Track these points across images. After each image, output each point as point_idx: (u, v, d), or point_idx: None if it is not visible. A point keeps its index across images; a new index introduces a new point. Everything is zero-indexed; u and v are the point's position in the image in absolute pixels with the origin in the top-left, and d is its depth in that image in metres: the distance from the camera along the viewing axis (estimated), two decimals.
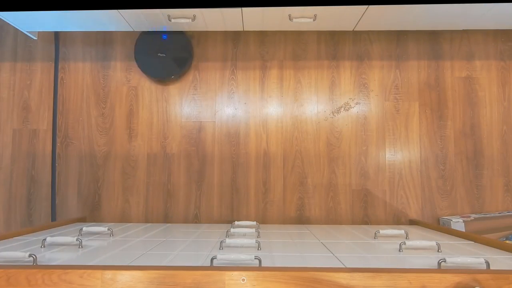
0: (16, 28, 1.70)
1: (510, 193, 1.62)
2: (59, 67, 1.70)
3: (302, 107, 1.66)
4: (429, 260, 0.92)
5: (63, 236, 1.08)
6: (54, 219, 1.64)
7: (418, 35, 1.68)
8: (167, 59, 1.56)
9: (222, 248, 1.03)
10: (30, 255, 0.83)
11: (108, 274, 0.70)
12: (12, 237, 1.18)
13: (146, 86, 1.68)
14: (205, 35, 1.70)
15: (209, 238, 1.22)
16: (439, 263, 0.82)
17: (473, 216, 1.53)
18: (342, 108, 1.66)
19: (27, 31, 1.63)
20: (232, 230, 1.22)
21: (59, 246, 1.07)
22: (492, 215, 1.55)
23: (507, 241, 1.15)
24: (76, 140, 1.67)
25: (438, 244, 1.02)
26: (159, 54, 1.53)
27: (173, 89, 1.68)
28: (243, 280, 0.69)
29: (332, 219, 1.62)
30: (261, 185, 1.63)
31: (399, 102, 1.65)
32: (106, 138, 1.66)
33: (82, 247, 1.05)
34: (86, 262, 0.87)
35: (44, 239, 1.05)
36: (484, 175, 1.62)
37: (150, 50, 1.58)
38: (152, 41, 1.60)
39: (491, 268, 0.83)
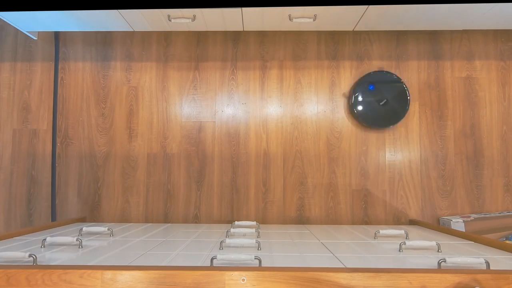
0: (16, 28, 1.70)
1: (510, 193, 1.62)
2: (59, 67, 1.70)
3: (302, 107, 1.66)
4: (429, 260, 0.92)
5: (63, 236, 1.08)
6: (54, 219, 1.64)
7: (418, 35, 1.68)
8: (388, 109, 1.51)
9: (222, 248, 1.03)
10: (30, 255, 0.83)
11: (108, 274, 0.70)
12: (12, 237, 1.18)
13: (146, 86, 1.68)
14: (205, 35, 1.70)
15: (209, 238, 1.22)
16: (439, 263, 0.82)
17: (473, 216, 1.53)
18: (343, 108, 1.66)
19: (27, 31, 1.64)
20: (232, 230, 1.22)
21: (59, 246, 1.07)
22: (492, 215, 1.55)
23: (507, 241, 1.15)
24: (76, 140, 1.67)
25: (438, 244, 1.02)
26: (380, 104, 1.45)
27: (174, 89, 1.68)
28: (243, 280, 0.69)
29: (332, 219, 1.62)
30: (261, 185, 1.63)
31: None
32: (106, 138, 1.66)
33: (82, 247, 1.05)
34: (86, 262, 0.87)
35: (44, 239, 1.05)
36: (484, 175, 1.62)
37: (369, 100, 1.52)
38: (368, 90, 1.53)
39: (491, 268, 0.83)
